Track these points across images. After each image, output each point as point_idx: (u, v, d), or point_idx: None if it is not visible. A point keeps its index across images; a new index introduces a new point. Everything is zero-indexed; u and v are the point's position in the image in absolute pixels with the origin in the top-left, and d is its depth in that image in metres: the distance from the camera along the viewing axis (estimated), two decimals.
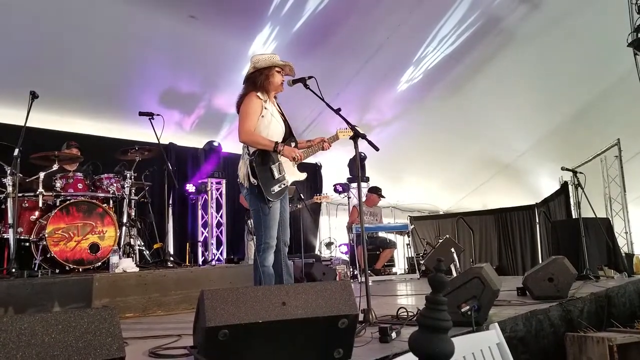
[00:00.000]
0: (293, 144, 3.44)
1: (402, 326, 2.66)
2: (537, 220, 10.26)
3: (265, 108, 3.32)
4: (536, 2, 7.73)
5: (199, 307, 1.96)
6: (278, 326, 1.94)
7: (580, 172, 5.79)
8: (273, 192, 3.27)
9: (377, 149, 2.87)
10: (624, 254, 7.07)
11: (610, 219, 8.76)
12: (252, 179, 3.23)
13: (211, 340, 1.85)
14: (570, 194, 9.37)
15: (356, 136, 2.94)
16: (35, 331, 1.35)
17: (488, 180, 12.49)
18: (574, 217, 8.73)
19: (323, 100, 3.08)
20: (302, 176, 3.53)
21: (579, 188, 5.79)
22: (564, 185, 9.68)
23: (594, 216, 6.11)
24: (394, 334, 2.45)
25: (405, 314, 2.95)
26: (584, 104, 9.92)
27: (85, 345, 1.40)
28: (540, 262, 10.03)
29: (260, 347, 1.96)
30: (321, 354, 2.04)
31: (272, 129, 3.34)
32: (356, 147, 2.96)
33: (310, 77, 3.19)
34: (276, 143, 3.23)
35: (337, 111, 3.02)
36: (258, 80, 3.35)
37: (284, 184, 3.34)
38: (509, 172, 12.21)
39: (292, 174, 3.44)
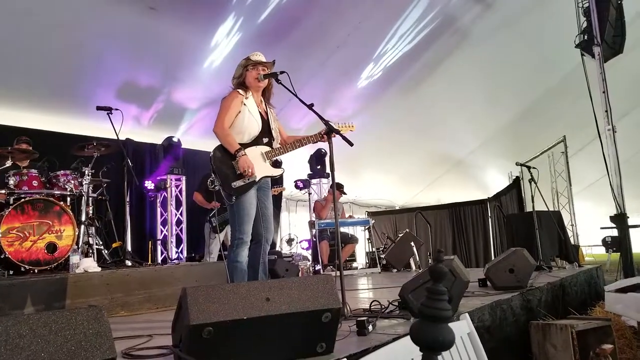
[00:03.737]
0: (266, 140, 3.43)
1: (377, 319, 2.71)
2: (490, 214, 10.64)
3: (244, 104, 3.37)
4: (489, 2, 7.99)
5: (181, 304, 1.93)
6: (263, 322, 1.93)
7: (534, 167, 6.04)
8: (235, 187, 3.25)
9: (351, 144, 2.90)
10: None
11: None
12: (212, 175, 3.31)
13: (195, 339, 1.82)
14: (522, 189, 9.76)
15: (330, 131, 2.96)
16: (22, 333, 1.30)
17: (441, 175, 12.83)
18: (525, 211, 9.12)
19: (295, 95, 3.08)
20: (277, 172, 3.49)
21: (532, 182, 6.03)
22: (516, 180, 10.07)
23: (547, 209, 6.38)
24: (370, 327, 2.48)
25: (379, 307, 3.00)
26: (531, 102, 10.35)
27: (76, 346, 1.36)
28: (493, 254, 10.43)
29: (244, 344, 1.95)
30: (304, 349, 2.05)
31: (246, 124, 3.36)
32: (330, 142, 2.98)
33: (282, 72, 3.19)
34: (238, 149, 3.25)
35: (310, 106, 3.02)
36: (237, 83, 3.49)
37: (249, 179, 3.30)
38: (460, 168, 12.58)
39: (263, 170, 3.39)
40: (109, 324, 1.48)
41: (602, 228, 9.20)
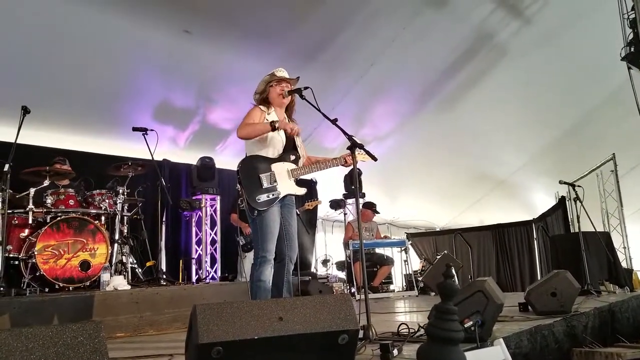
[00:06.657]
0: (293, 157, 3.39)
1: (404, 343, 2.56)
2: (535, 236, 10.18)
3: (266, 119, 3.35)
4: (528, 18, 7.78)
5: (191, 322, 1.86)
6: (275, 342, 1.85)
7: (579, 186, 5.73)
8: (259, 201, 3.19)
9: (375, 159, 2.81)
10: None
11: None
12: (237, 186, 3.27)
13: (204, 358, 1.75)
14: (568, 209, 9.32)
15: (353, 146, 2.87)
16: (13, 347, 1.25)
17: (483, 196, 12.44)
18: (572, 232, 8.67)
19: (319, 111, 3.02)
20: (301, 191, 3.43)
21: (578, 201, 5.72)
22: (562, 200, 9.62)
23: (594, 230, 6.03)
24: (395, 351, 2.34)
25: (407, 330, 2.85)
26: (577, 118, 9.92)
27: None
28: (539, 278, 9.95)
29: None
30: None
31: (269, 139, 3.34)
32: (354, 157, 2.89)
33: (306, 88, 3.15)
34: (272, 121, 3.24)
35: (334, 121, 2.96)
36: (260, 99, 3.51)
37: (274, 195, 3.24)
38: (504, 188, 12.16)
39: (287, 187, 3.34)
40: (105, 339, 1.42)
41: None
